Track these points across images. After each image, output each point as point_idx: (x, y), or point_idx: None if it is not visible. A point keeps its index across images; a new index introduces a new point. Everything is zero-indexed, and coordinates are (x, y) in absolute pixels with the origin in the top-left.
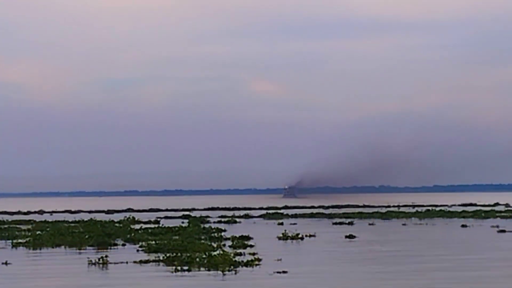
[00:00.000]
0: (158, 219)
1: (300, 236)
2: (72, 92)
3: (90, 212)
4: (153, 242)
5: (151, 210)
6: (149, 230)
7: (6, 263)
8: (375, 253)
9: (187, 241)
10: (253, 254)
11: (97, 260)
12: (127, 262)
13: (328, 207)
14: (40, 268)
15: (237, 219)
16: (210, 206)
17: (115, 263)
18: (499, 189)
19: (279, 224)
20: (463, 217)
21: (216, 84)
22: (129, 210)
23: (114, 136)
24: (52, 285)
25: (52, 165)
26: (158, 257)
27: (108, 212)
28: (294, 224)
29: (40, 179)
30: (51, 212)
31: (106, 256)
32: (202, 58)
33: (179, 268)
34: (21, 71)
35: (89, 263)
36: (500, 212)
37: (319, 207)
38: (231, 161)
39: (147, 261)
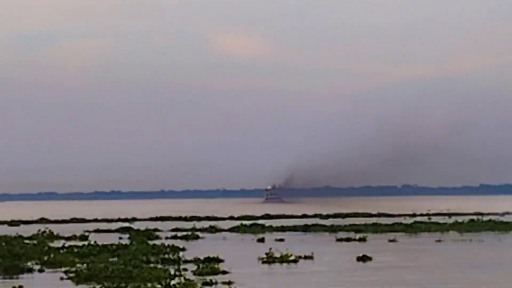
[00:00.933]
0: (86, 234)
1: (292, 258)
2: None
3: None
4: (83, 266)
5: (75, 220)
6: (75, 250)
7: None
8: (399, 284)
9: (132, 265)
10: (228, 283)
11: None
12: None
13: (328, 216)
14: None
15: (200, 234)
16: (159, 215)
17: None
18: None
19: (259, 240)
20: None
21: (165, 40)
22: (44, 220)
23: (22, 118)
24: None
25: None
26: None
27: (13, 223)
28: (281, 240)
29: None
30: None
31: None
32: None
33: None
34: None
35: None
36: None
37: (316, 216)
38: (190, 152)
39: None
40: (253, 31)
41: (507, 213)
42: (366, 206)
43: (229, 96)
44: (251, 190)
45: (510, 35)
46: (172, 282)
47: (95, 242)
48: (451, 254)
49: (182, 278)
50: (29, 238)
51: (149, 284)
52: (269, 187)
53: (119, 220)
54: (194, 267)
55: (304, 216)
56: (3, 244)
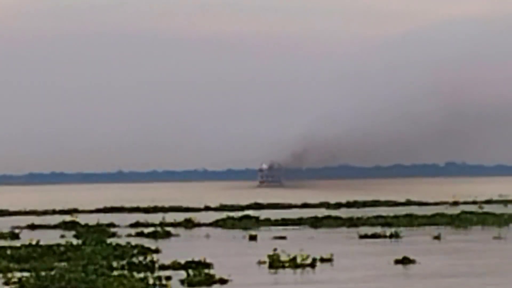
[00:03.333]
0: (17, 231)
1: (308, 261)
2: None
3: None
4: (24, 274)
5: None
6: (8, 252)
7: None
8: None
9: (92, 273)
10: None
11: None
12: None
13: (344, 205)
14: None
15: (172, 230)
16: (113, 205)
17: None
18: None
19: (251, 238)
20: None
21: None
22: None
23: None
24: None
25: None
26: None
27: None
28: (282, 238)
29: None
30: None
31: None
32: None
33: None
34: None
35: None
36: None
37: (327, 204)
38: (158, 121)
39: None
40: None
41: None
42: (397, 191)
43: (216, 41)
44: (240, 171)
45: None
46: None
47: (37, 241)
48: None
49: None
50: None
51: None
52: (264, 167)
53: (60, 212)
54: (177, 274)
55: (313, 205)
56: None
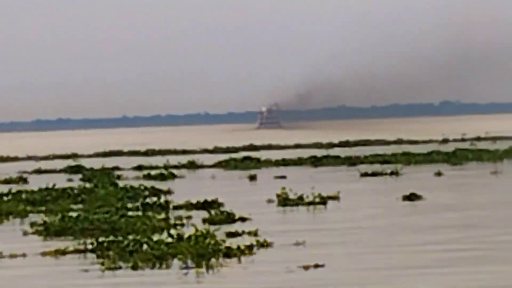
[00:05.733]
0: (24, 176)
1: (319, 199)
2: None
3: None
4: (54, 217)
5: (7, 159)
6: (23, 196)
7: None
8: (472, 223)
9: (113, 214)
10: (255, 234)
11: None
12: (24, 256)
13: (337, 145)
14: None
15: (176, 172)
16: (116, 149)
17: (10, 255)
18: None
19: (251, 178)
20: None
21: None
22: None
23: None
24: None
25: None
26: (84, 244)
27: None
28: (283, 177)
29: None
30: None
31: None
32: None
33: (137, 264)
34: None
35: None
36: None
37: (328, 145)
38: (161, 65)
39: (64, 252)
40: None
41: None
42: (394, 129)
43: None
44: (241, 114)
45: None
46: (186, 235)
47: (53, 185)
48: None
49: (194, 228)
50: None
51: (155, 236)
52: (263, 109)
53: (62, 156)
54: (194, 214)
55: (313, 145)
56: None
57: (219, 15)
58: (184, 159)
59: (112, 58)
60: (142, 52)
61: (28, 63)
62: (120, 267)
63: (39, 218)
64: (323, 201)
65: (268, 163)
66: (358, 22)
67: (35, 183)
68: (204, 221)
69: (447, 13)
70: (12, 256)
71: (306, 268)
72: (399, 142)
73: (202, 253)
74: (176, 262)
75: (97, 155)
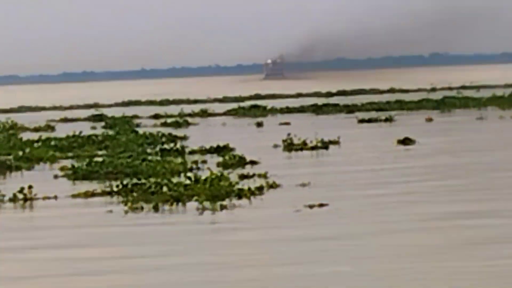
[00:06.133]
0: (52, 124)
1: (321, 143)
2: None
3: None
4: (72, 162)
5: (24, 109)
6: (52, 143)
7: None
8: (465, 169)
9: (135, 158)
10: (264, 176)
11: (15, 195)
12: (56, 197)
13: (341, 93)
14: None
15: (189, 119)
16: (134, 99)
17: (43, 197)
18: None
19: (257, 125)
20: None
21: None
22: None
23: None
24: None
25: None
26: (110, 186)
27: None
28: (287, 124)
29: None
30: None
31: (30, 187)
32: None
33: (158, 204)
34: None
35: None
36: None
37: (327, 94)
38: (175, 20)
39: (93, 195)
40: None
41: None
42: (384, 79)
43: None
44: (249, 66)
45: None
46: (203, 177)
47: (80, 132)
48: (504, 134)
49: (209, 171)
50: None
51: (174, 179)
52: (269, 62)
53: (85, 106)
54: (207, 158)
55: (314, 94)
56: None
57: None
58: (196, 108)
59: (130, 15)
60: (158, 11)
61: (54, 19)
62: (142, 208)
63: (67, 163)
64: (325, 145)
65: (273, 111)
66: None
67: (62, 130)
68: (218, 164)
69: None
70: (45, 198)
71: (311, 207)
72: (392, 91)
73: (216, 194)
74: (192, 203)
75: (117, 104)
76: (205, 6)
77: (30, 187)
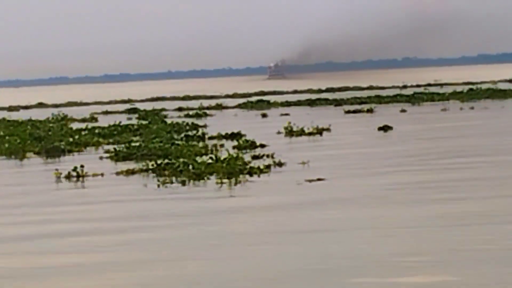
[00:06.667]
0: (95, 116)
1: (316, 130)
2: None
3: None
4: (114, 146)
5: (71, 104)
6: (96, 131)
7: None
8: (430, 151)
9: (165, 143)
10: (272, 156)
11: (70, 173)
12: (102, 175)
13: (330, 90)
14: None
15: (207, 111)
16: (161, 95)
17: (93, 175)
18: None
19: (263, 116)
20: None
21: None
22: (42, 105)
23: (30, 6)
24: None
25: None
26: (146, 165)
27: (12, 108)
28: (287, 114)
29: None
30: None
31: (82, 166)
32: None
33: (185, 180)
34: None
35: (57, 177)
36: None
37: (318, 91)
38: (196, 29)
39: (132, 172)
40: None
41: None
42: (368, 79)
43: None
44: (256, 68)
45: None
46: (222, 156)
47: (119, 122)
48: (464, 121)
49: (227, 153)
50: (45, 121)
51: (199, 159)
52: (271, 65)
53: (122, 101)
54: (224, 142)
55: (308, 91)
56: (29, 127)
57: None
58: (213, 102)
59: (159, 27)
60: (182, 23)
61: (97, 30)
62: (172, 182)
63: (109, 147)
64: (319, 132)
65: (275, 104)
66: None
67: (104, 121)
68: (234, 147)
69: None
70: (94, 175)
71: (310, 181)
72: (371, 88)
73: (232, 171)
74: (213, 178)
75: (148, 100)
76: (220, 19)
77: (82, 166)
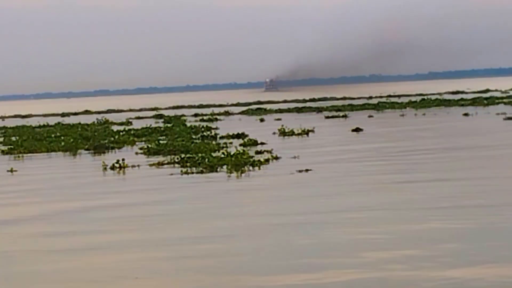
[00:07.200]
0: (130, 120)
1: (303, 131)
2: None
3: (55, 115)
4: (146, 144)
5: (111, 111)
6: (131, 132)
7: (11, 171)
8: (399, 147)
9: (187, 141)
10: (270, 151)
11: (114, 165)
12: (138, 166)
13: (313, 100)
14: (55, 176)
15: (217, 117)
16: (181, 104)
17: (132, 166)
18: (499, 73)
19: (261, 120)
20: (462, 105)
21: None
22: (87, 112)
23: (82, 32)
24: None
25: (15, 66)
26: (172, 159)
27: (64, 115)
28: (279, 119)
29: (2, 81)
30: (1, 118)
31: (123, 160)
32: None
33: (203, 170)
34: None
35: (104, 167)
36: (502, 98)
37: (304, 100)
38: (209, 53)
39: (162, 164)
40: None
41: (445, 92)
42: (342, 91)
43: (237, 13)
44: (255, 83)
45: None
46: (232, 152)
47: (149, 125)
48: (419, 125)
49: (235, 149)
50: (91, 124)
51: (213, 154)
52: (267, 80)
53: (148, 109)
54: (232, 141)
55: (295, 101)
56: (79, 129)
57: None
58: (221, 109)
59: (178, 48)
60: (196, 44)
61: (129, 50)
62: (192, 172)
63: (142, 144)
64: (306, 133)
65: (270, 111)
66: (325, 26)
67: (137, 124)
68: (240, 145)
69: (375, 24)
70: (132, 166)
71: (300, 171)
72: (344, 98)
73: (239, 163)
74: (224, 169)
75: (171, 108)
76: (227, 44)
77: (123, 159)
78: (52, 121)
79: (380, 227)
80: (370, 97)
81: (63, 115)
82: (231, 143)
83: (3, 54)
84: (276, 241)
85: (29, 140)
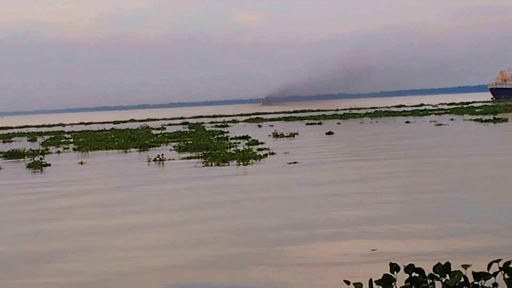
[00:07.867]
0: (164, 126)
1: (290, 134)
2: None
3: (110, 122)
4: (176, 143)
5: (154, 120)
6: (166, 135)
7: (81, 163)
8: (360, 144)
9: (206, 141)
10: (268, 149)
11: (156, 158)
12: (173, 159)
13: (297, 112)
14: (113, 166)
15: (228, 124)
16: (201, 114)
17: (169, 159)
18: (430, 92)
19: (259, 126)
20: (404, 115)
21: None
22: (132, 120)
23: (130, 62)
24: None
25: (81, 87)
26: (197, 154)
27: (115, 123)
28: (272, 126)
29: (71, 96)
30: (71, 124)
31: (162, 155)
32: None
33: (219, 162)
34: (53, 11)
35: (149, 161)
36: (433, 110)
37: (289, 112)
38: (221, 78)
39: (190, 158)
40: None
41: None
42: (318, 106)
43: (236, 51)
44: (255, 99)
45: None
46: (240, 149)
47: (178, 130)
48: (374, 129)
49: (243, 147)
50: (136, 130)
51: (226, 150)
52: (263, 97)
53: (176, 118)
54: (241, 141)
55: (284, 112)
56: (128, 133)
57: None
58: (230, 118)
59: (199, 72)
60: (211, 69)
61: (163, 72)
62: (212, 164)
63: (174, 144)
64: (292, 135)
65: (266, 120)
66: (306, 56)
67: (169, 129)
68: (246, 144)
69: (343, 55)
70: (170, 159)
71: (290, 163)
72: (319, 110)
73: (245, 157)
74: (234, 162)
75: (194, 117)
76: (235, 69)
77: (162, 155)
78: (107, 127)
79: (343, 191)
80: (338, 110)
81: (115, 122)
82: (239, 143)
83: (75, 79)
84: (278, 209)
85: (92, 141)
